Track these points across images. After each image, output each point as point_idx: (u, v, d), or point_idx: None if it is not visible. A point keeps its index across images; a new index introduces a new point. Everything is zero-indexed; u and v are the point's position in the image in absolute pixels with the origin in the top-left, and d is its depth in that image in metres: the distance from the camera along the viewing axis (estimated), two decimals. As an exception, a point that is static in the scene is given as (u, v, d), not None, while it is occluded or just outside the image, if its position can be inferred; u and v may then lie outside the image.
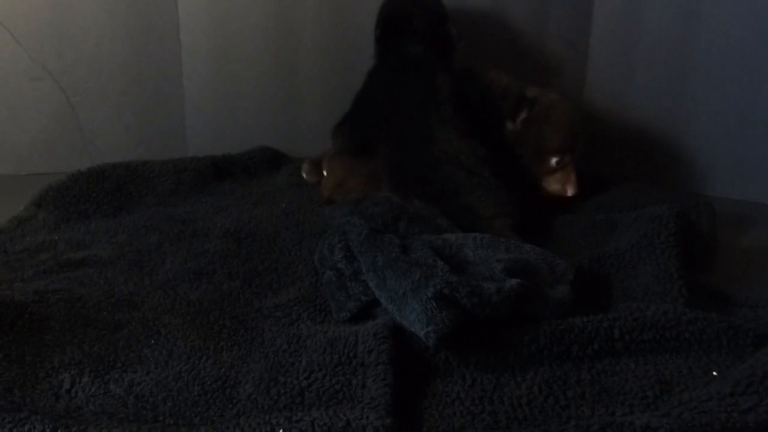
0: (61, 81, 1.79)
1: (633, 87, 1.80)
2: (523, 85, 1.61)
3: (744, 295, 1.21)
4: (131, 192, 1.59)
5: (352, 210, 1.32)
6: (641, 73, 1.78)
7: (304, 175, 1.72)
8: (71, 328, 1.08)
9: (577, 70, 1.86)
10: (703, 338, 1.03)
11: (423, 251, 1.08)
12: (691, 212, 1.46)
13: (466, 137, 1.47)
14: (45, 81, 1.79)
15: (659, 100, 1.77)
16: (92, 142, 1.85)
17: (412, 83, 1.55)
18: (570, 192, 1.55)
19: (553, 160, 1.55)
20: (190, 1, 1.79)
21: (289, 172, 1.75)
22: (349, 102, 1.69)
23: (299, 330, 1.07)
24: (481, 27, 1.85)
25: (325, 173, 1.66)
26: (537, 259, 1.15)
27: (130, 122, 1.86)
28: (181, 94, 1.86)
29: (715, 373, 0.98)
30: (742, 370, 0.93)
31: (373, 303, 1.09)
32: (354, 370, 0.96)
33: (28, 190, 1.55)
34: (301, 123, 1.90)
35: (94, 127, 1.84)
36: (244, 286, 1.23)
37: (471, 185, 1.40)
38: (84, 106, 1.82)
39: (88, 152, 1.84)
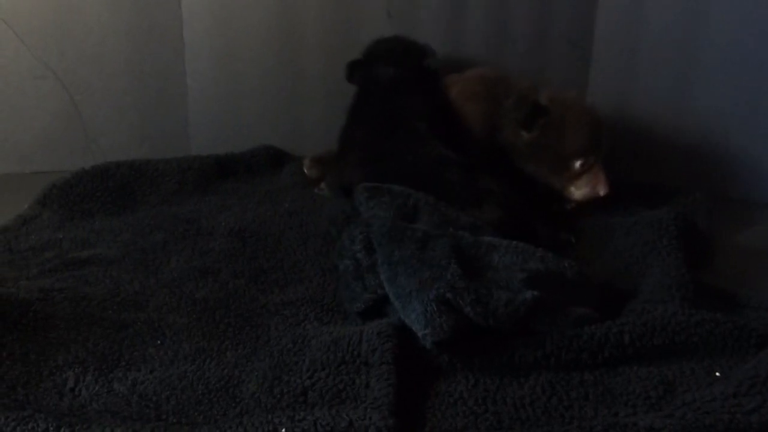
0: (64, 79, 1.79)
1: (635, 87, 1.80)
2: (538, 91, 1.56)
3: (747, 295, 1.21)
4: (135, 191, 1.59)
5: (383, 201, 1.26)
6: (644, 73, 1.78)
7: (306, 171, 1.71)
8: (76, 326, 1.08)
9: (581, 71, 1.86)
10: (709, 340, 1.02)
11: (441, 250, 1.07)
12: (688, 210, 1.46)
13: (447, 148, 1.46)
14: (48, 79, 1.79)
15: (661, 99, 1.77)
16: (95, 140, 1.85)
17: (387, 102, 1.55)
18: (602, 192, 1.48)
19: (578, 164, 1.50)
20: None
21: (292, 171, 1.75)
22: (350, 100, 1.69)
23: (305, 330, 1.07)
24: (484, 28, 1.85)
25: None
26: (572, 276, 1.11)
27: (133, 121, 1.86)
28: (184, 93, 1.85)
29: (717, 374, 0.98)
30: (745, 370, 0.93)
31: (387, 299, 1.08)
32: (357, 370, 0.96)
33: (32, 188, 1.55)
34: (304, 122, 1.90)
35: (97, 125, 1.84)
36: (250, 284, 1.23)
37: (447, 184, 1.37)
38: (87, 104, 1.82)
39: (92, 150, 1.84)
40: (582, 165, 1.50)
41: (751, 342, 1.02)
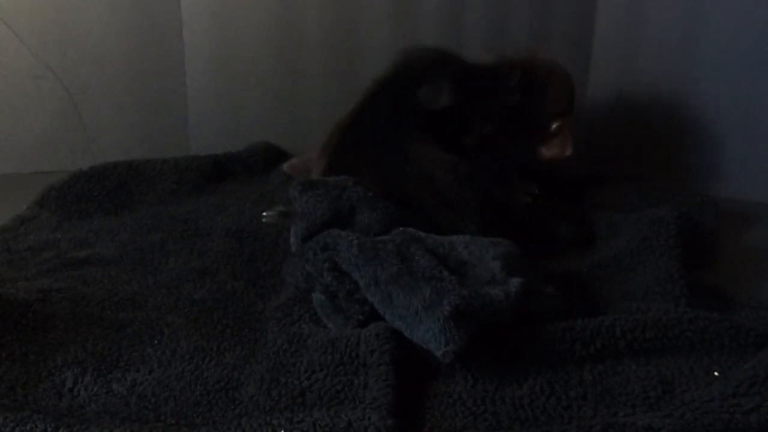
0: (64, 79, 1.80)
1: (636, 86, 1.80)
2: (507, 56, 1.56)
3: (746, 295, 1.21)
4: (133, 190, 1.59)
5: (318, 193, 1.24)
6: (644, 72, 1.78)
7: (285, 169, 1.71)
8: (74, 326, 1.08)
9: (581, 70, 1.86)
10: (704, 338, 1.02)
11: (425, 260, 1.05)
12: (694, 211, 1.47)
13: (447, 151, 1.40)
14: (48, 79, 1.79)
15: (663, 99, 1.77)
16: (95, 140, 1.85)
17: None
18: (569, 152, 1.53)
19: (555, 125, 1.52)
20: (193, -1, 1.80)
21: (282, 171, 1.74)
22: (350, 100, 1.69)
23: (300, 329, 1.07)
24: (485, 27, 1.85)
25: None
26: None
27: (133, 121, 1.86)
28: (184, 93, 1.86)
29: (716, 374, 0.98)
30: (744, 370, 0.93)
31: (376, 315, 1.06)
32: (356, 371, 0.96)
33: (32, 188, 1.55)
34: (303, 122, 1.90)
35: (97, 125, 1.84)
36: (248, 286, 1.23)
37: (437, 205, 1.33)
38: (87, 104, 1.82)
39: (91, 151, 1.84)
40: (558, 127, 1.52)
41: (750, 341, 1.02)
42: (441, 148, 1.39)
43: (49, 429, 0.84)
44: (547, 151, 1.55)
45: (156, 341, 1.06)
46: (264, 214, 1.48)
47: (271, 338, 1.07)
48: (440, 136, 1.42)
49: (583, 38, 1.85)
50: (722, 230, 1.47)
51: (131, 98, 1.84)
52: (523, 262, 1.11)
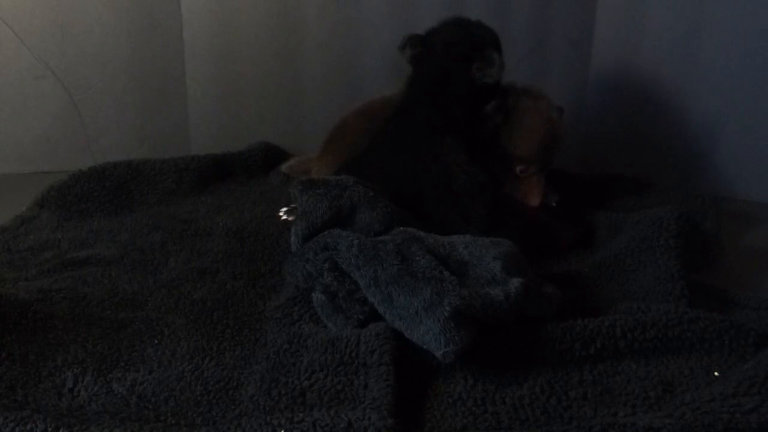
0: (64, 79, 1.80)
1: (636, 86, 1.80)
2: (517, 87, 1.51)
3: (746, 295, 1.21)
4: (132, 190, 1.59)
5: (318, 193, 1.23)
6: (644, 72, 1.78)
7: (284, 169, 1.72)
8: (75, 326, 1.08)
9: (581, 71, 1.86)
10: (704, 338, 1.03)
11: (425, 260, 1.05)
12: (695, 212, 1.47)
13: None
14: (48, 79, 1.79)
15: (662, 99, 1.77)
16: (96, 140, 1.85)
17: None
18: (531, 203, 1.45)
19: (518, 169, 1.45)
20: (194, -1, 1.80)
21: (281, 171, 1.75)
22: (350, 100, 1.69)
23: (300, 329, 1.07)
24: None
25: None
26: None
27: (133, 120, 1.86)
28: (184, 93, 1.86)
29: (716, 374, 0.98)
30: (744, 370, 0.93)
31: (375, 316, 1.06)
32: (356, 371, 0.96)
33: (32, 188, 1.55)
34: (303, 121, 1.90)
35: (97, 125, 1.84)
36: (248, 286, 1.23)
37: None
38: (87, 104, 1.83)
39: (92, 150, 1.84)
40: (521, 171, 1.46)
41: (750, 341, 1.02)
42: (466, 150, 1.38)
43: (49, 429, 0.84)
44: (515, 192, 1.48)
45: (156, 341, 1.06)
46: (281, 213, 1.48)
47: (271, 338, 1.07)
48: (468, 136, 1.41)
49: (583, 38, 1.85)
50: (722, 230, 1.47)
51: (131, 98, 1.84)
52: (523, 263, 1.11)
